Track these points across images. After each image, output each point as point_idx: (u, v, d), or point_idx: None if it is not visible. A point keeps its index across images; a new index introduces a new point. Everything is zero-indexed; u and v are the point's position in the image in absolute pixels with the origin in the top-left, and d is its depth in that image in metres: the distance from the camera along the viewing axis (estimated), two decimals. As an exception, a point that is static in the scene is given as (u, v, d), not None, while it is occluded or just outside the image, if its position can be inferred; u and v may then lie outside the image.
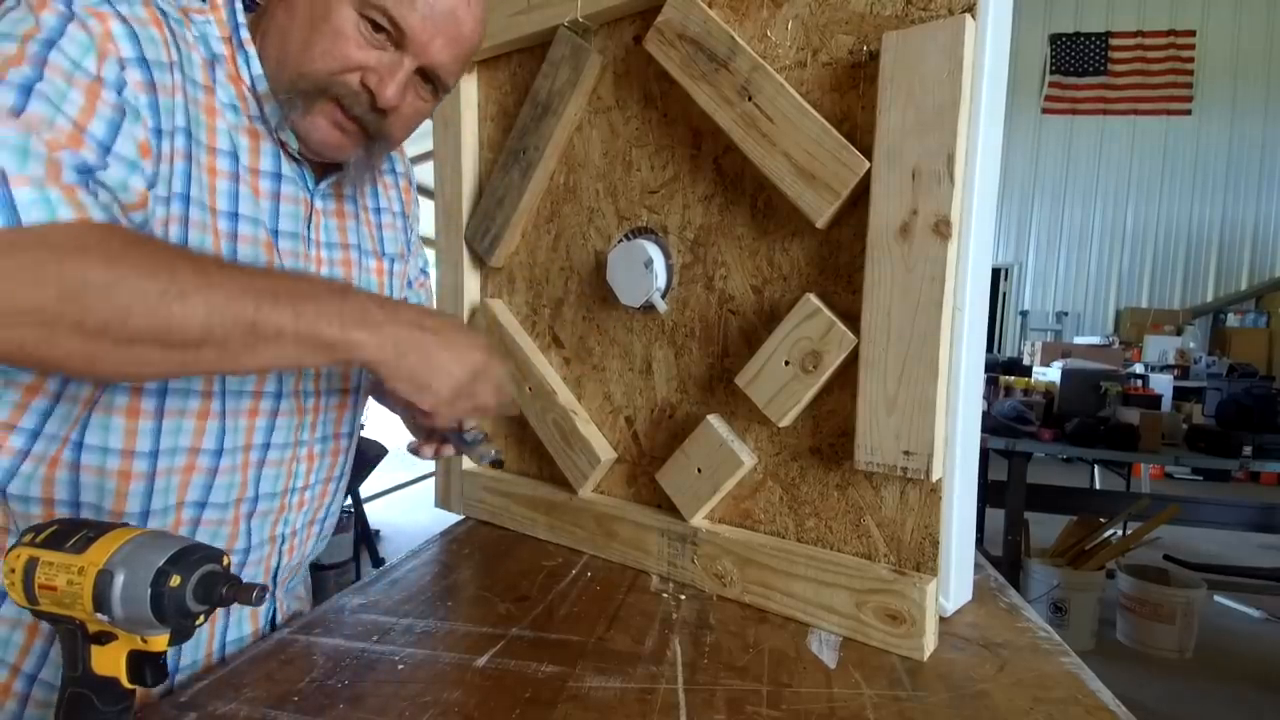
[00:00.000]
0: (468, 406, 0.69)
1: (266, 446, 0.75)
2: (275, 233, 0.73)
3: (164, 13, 0.64)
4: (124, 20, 0.59)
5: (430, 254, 1.11)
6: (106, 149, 0.57)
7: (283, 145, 0.73)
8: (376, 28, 0.67)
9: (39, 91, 0.53)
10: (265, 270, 0.66)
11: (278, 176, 0.73)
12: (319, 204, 0.79)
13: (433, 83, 0.73)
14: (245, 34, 0.70)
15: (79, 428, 0.64)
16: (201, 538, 0.69)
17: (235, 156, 0.69)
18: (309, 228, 0.78)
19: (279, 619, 0.83)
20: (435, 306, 1.14)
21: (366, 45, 0.67)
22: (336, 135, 0.71)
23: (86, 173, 0.55)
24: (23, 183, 0.50)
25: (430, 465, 1.15)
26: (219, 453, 0.71)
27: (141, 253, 0.53)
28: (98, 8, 0.58)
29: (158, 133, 0.61)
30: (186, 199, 0.64)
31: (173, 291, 0.51)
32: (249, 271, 0.58)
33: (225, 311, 0.53)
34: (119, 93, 0.58)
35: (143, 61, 0.60)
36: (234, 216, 0.68)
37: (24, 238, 0.50)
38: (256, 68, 0.70)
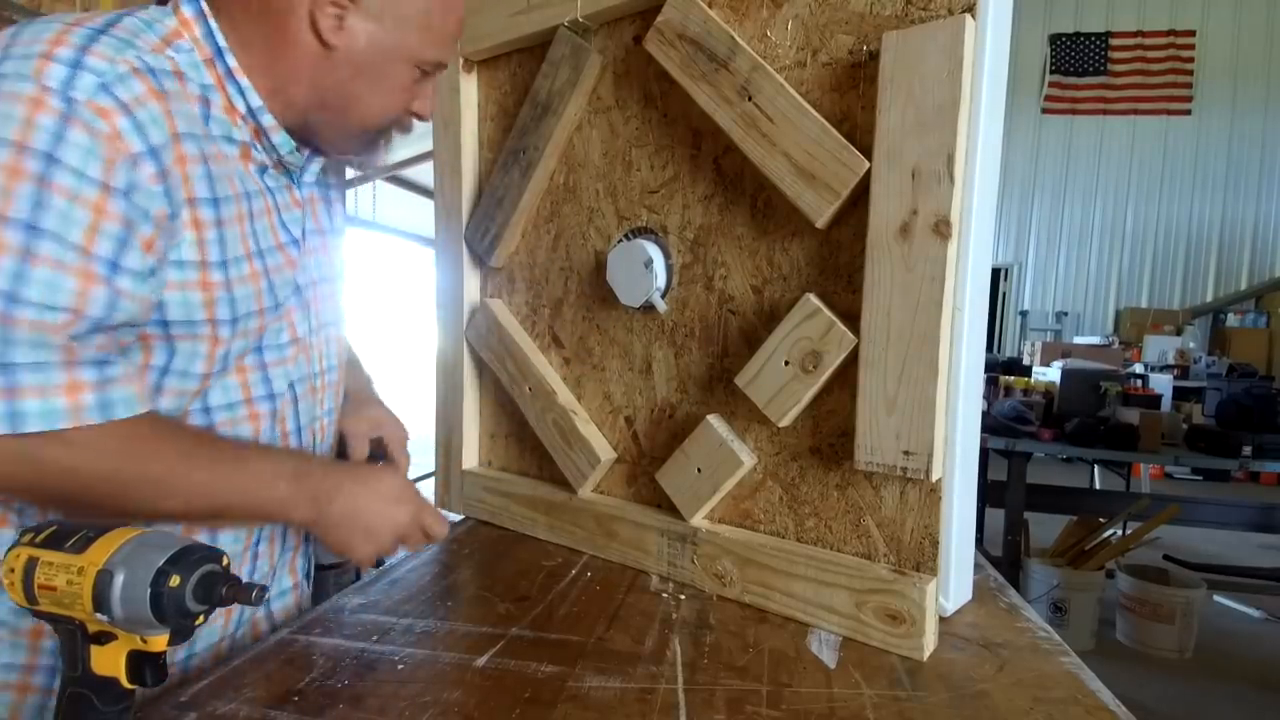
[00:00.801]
0: (388, 552, 0.79)
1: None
2: (286, 244, 0.77)
3: (152, 72, 0.61)
4: (128, 112, 0.58)
5: (430, 254, 1.11)
6: (115, 266, 0.59)
7: (277, 163, 0.75)
8: (425, 71, 0.75)
9: (45, 232, 0.55)
10: (236, 457, 0.70)
11: (271, 191, 0.75)
12: (305, 193, 0.81)
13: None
14: (232, 61, 0.68)
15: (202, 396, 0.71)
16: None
17: (247, 196, 0.72)
18: (303, 227, 0.80)
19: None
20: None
21: (415, 85, 0.75)
22: (380, 152, 0.80)
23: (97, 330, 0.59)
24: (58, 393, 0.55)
25: (430, 465, 1.15)
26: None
27: (147, 461, 0.62)
28: (99, 100, 0.57)
29: (173, 216, 0.63)
30: (225, 264, 0.68)
31: (162, 493, 0.63)
32: (225, 469, 0.67)
33: (198, 508, 0.66)
34: (128, 197, 0.59)
35: (152, 153, 0.60)
36: (261, 254, 0.72)
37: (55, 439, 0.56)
38: (255, 100, 0.70)
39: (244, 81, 0.69)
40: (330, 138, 0.76)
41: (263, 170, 0.74)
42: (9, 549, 0.49)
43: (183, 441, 0.66)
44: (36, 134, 0.54)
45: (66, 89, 0.56)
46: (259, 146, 0.73)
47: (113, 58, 0.59)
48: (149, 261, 0.61)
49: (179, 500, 0.64)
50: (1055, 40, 8.96)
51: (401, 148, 5.96)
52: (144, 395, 0.62)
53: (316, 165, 0.80)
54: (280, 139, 0.72)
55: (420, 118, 0.78)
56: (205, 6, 0.68)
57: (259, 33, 0.69)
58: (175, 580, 0.46)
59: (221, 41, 0.68)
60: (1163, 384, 4.44)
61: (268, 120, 0.71)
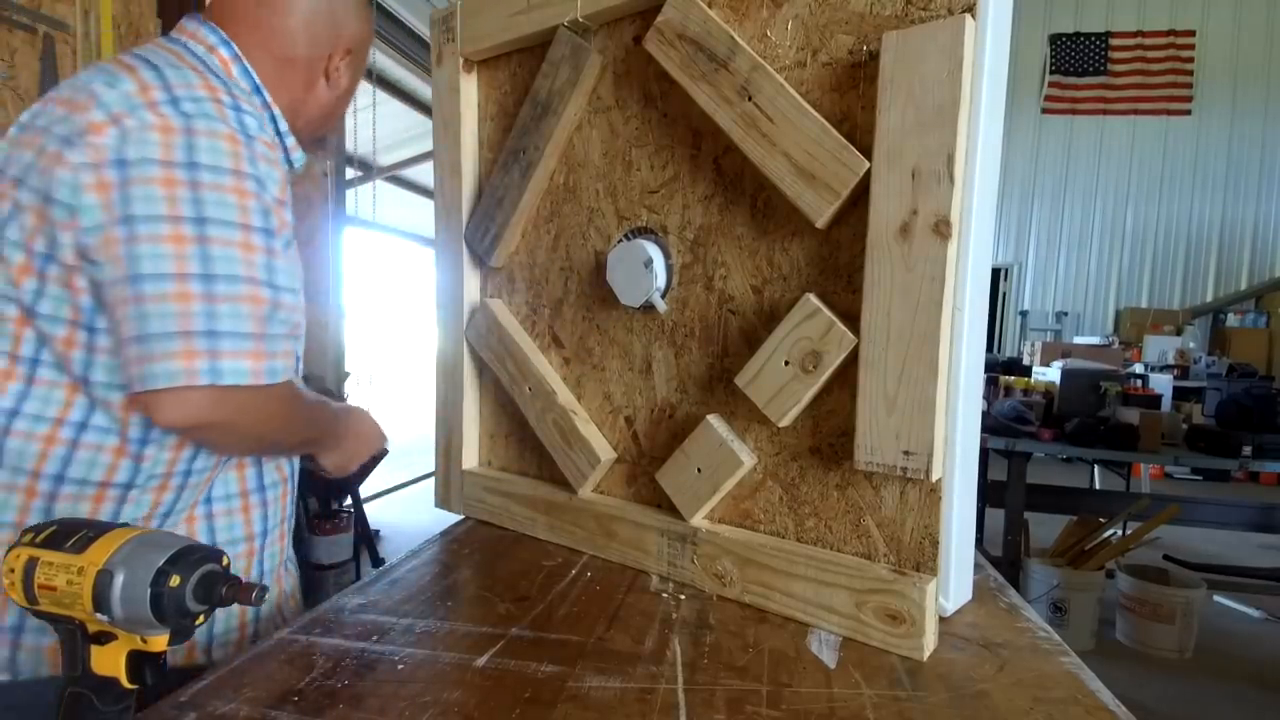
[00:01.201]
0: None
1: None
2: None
3: (239, 112, 0.76)
4: (273, 166, 0.77)
5: (430, 254, 1.11)
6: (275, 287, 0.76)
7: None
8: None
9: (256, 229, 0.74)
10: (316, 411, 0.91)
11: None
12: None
13: None
14: (268, 95, 0.86)
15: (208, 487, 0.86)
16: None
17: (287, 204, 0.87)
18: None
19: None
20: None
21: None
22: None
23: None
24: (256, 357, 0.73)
25: (430, 465, 1.15)
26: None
27: (287, 413, 0.81)
28: (269, 159, 0.77)
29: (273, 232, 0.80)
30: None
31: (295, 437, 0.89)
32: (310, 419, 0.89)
33: (299, 448, 0.94)
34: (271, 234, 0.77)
35: (276, 199, 0.78)
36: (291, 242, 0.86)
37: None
38: (284, 125, 0.88)
39: (277, 111, 0.87)
40: (307, 146, 0.95)
41: None
42: (9, 549, 0.49)
43: (304, 401, 0.85)
44: (241, 162, 0.73)
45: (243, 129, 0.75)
46: (286, 158, 0.90)
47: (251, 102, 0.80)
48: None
49: (298, 440, 0.89)
50: (1055, 40, 8.96)
51: (401, 148, 5.97)
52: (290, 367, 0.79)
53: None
54: (299, 155, 0.92)
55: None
56: (239, 50, 0.83)
57: (281, 74, 0.86)
58: (175, 580, 0.46)
59: (257, 79, 0.84)
60: (1163, 384, 4.44)
61: (291, 140, 0.90)
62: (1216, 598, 3.43)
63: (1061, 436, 3.10)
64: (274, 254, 0.74)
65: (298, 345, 0.87)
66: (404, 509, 4.64)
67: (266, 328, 0.73)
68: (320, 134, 0.96)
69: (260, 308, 0.72)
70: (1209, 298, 8.82)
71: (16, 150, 0.71)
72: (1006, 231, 9.23)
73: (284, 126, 0.87)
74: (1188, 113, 8.73)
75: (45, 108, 0.72)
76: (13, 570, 0.48)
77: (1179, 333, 8.00)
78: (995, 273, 8.73)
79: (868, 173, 0.70)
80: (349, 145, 4.25)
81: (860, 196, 0.72)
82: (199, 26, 0.82)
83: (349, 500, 3.28)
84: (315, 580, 3.09)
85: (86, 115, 0.68)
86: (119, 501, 0.76)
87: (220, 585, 0.49)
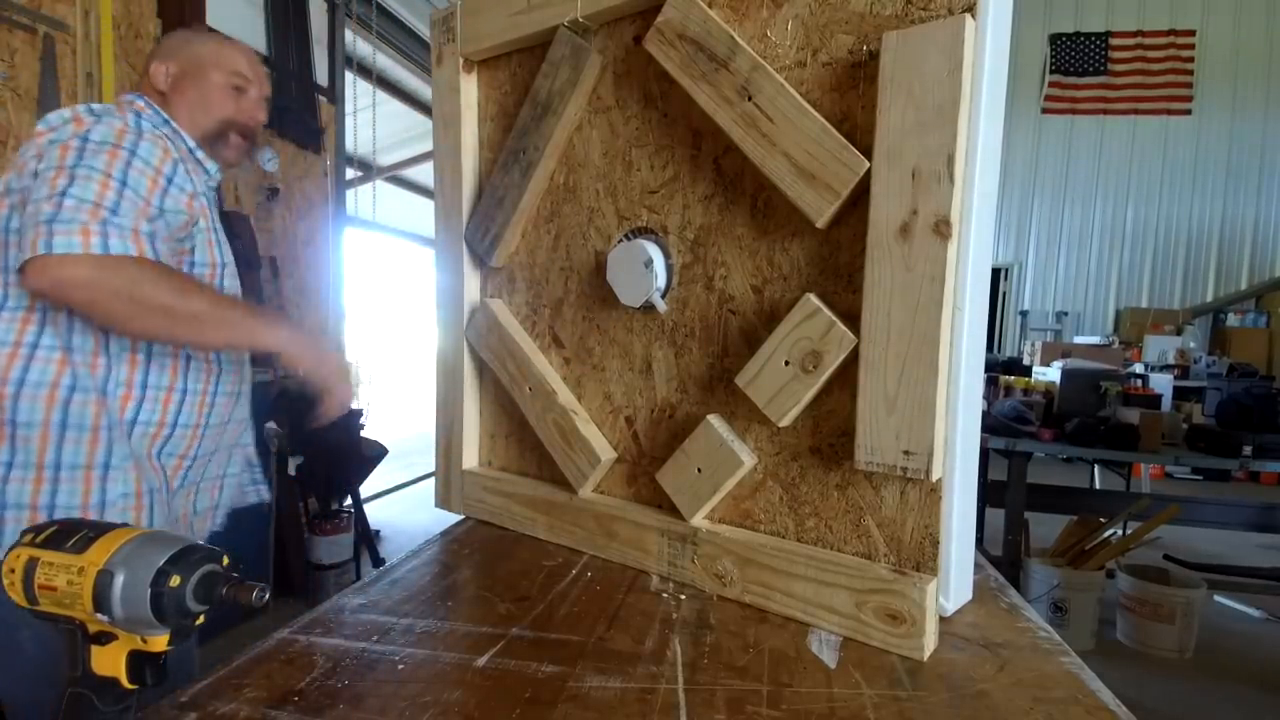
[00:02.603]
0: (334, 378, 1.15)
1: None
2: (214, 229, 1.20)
3: (138, 117, 1.13)
4: (155, 144, 1.06)
5: (430, 254, 1.12)
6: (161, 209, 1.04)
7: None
8: (236, 85, 1.20)
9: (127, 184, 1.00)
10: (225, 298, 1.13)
11: (210, 195, 1.22)
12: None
13: (265, 97, 1.28)
14: (168, 117, 1.16)
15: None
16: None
17: (203, 193, 1.17)
18: (214, 222, 1.21)
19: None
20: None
21: (236, 98, 1.21)
22: (239, 153, 1.24)
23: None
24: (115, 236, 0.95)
25: (430, 465, 1.14)
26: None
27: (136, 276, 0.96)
28: (157, 132, 1.11)
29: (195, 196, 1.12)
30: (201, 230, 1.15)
31: (184, 298, 1.00)
32: (216, 298, 1.06)
33: (192, 317, 1.00)
34: (170, 181, 1.06)
35: (176, 162, 1.08)
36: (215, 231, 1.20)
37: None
38: (191, 141, 1.18)
39: (184, 133, 1.17)
40: (203, 146, 1.19)
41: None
42: (9, 549, 0.49)
43: (172, 275, 1.00)
44: (124, 142, 1.02)
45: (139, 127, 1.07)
46: (197, 164, 1.19)
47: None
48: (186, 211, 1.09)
49: (185, 308, 0.98)
50: (1055, 40, 8.95)
51: (401, 148, 5.97)
52: (144, 251, 0.97)
53: (220, 175, 1.25)
54: (202, 155, 1.19)
55: (255, 119, 1.24)
56: (145, 100, 1.16)
57: (168, 105, 1.18)
58: (175, 580, 0.46)
59: (162, 114, 1.16)
60: (1163, 384, 4.44)
61: (201, 153, 1.19)
62: (1216, 598, 3.42)
63: (1061, 436, 3.10)
64: (123, 192, 0.97)
65: (183, 247, 1.11)
66: (404, 509, 4.64)
67: (104, 216, 0.93)
68: (211, 136, 1.19)
69: (100, 207, 0.93)
70: (1209, 297, 8.81)
71: (9, 174, 1.03)
72: (1006, 231, 9.23)
73: (192, 143, 1.17)
74: (1188, 113, 8.73)
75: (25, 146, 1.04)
76: (13, 570, 0.48)
77: (1179, 332, 7.99)
78: (995, 273, 8.71)
79: (868, 173, 0.70)
80: (349, 145, 4.25)
81: (860, 196, 0.72)
82: (125, 96, 1.17)
83: (349, 500, 3.28)
84: (315, 580, 3.09)
85: (36, 129, 1.03)
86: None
87: (221, 585, 0.49)
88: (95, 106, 1.06)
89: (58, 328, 1.02)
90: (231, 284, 1.22)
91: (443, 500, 1.21)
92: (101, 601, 0.45)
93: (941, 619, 0.77)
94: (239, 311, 1.05)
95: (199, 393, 1.14)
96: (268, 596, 0.51)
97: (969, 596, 0.84)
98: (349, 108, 4.23)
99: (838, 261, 0.77)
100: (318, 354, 1.11)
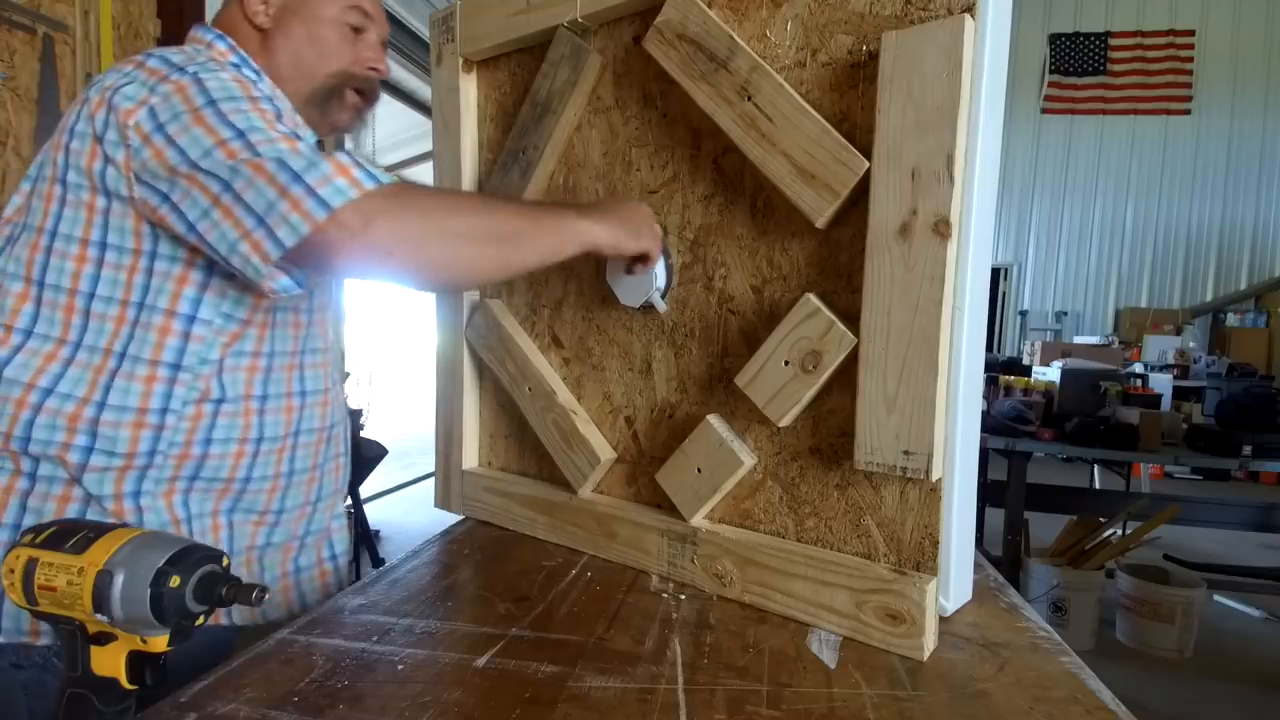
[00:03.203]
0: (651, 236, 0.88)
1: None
2: None
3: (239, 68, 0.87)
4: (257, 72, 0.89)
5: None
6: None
7: None
8: (353, 24, 0.93)
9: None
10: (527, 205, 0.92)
11: None
12: None
13: (384, 41, 1.00)
14: (258, 66, 0.89)
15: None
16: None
17: None
18: None
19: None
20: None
21: (353, 41, 0.93)
22: (355, 117, 0.98)
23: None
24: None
25: (430, 465, 1.14)
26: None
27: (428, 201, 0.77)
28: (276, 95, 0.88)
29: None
30: None
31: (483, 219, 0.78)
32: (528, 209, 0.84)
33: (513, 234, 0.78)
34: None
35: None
36: None
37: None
38: (281, 94, 0.90)
39: (268, 82, 0.89)
40: (304, 106, 0.92)
41: None
42: (9, 549, 0.49)
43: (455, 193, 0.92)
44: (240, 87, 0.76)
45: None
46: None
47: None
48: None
49: (502, 225, 0.76)
50: (1055, 40, 8.95)
51: (401, 148, 5.97)
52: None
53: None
54: (308, 134, 0.91)
55: (378, 69, 0.96)
56: (229, 40, 0.89)
57: (251, 45, 0.90)
58: (175, 580, 0.46)
59: (250, 61, 0.88)
60: (1163, 384, 4.44)
61: (288, 105, 0.89)
62: (1216, 597, 3.42)
63: (1061, 436, 3.10)
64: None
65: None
66: (404, 509, 4.64)
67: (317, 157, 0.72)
68: (320, 95, 0.92)
69: (301, 141, 0.74)
70: (1209, 297, 8.81)
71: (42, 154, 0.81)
72: (1006, 231, 9.23)
73: (288, 105, 0.88)
74: (1187, 112, 8.73)
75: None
76: (13, 571, 0.48)
77: (1179, 332, 7.99)
78: (995, 273, 8.73)
79: (867, 173, 0.70)
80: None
81: (860, 196, 0.72)
82: (197, 31, 0.90)
83: (349, 500, 3.28)
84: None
85: (101, 81, 0.76)
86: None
87: (220, 585, 0.49)
88: (171, 55, 0.78)
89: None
90: None
91: (442, 500, 1.21)
92: (101, 602, 0.45)
93: (941, 619, 0.77)
94: (546, 211, 0.82)
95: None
96: (268, 597, 0.51)
97: (969, 596, 0.84)
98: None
99: (837, 261, 0.77)
100: (634, 228, 0.84)
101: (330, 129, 0.95)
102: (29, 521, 0.76)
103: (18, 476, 0.77)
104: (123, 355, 0.78)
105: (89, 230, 0.77)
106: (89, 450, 0.77)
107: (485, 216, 0.75)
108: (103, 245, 0.77)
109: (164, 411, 0.79)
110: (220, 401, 0.83)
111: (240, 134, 0.71)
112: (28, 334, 0.77)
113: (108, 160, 0.74)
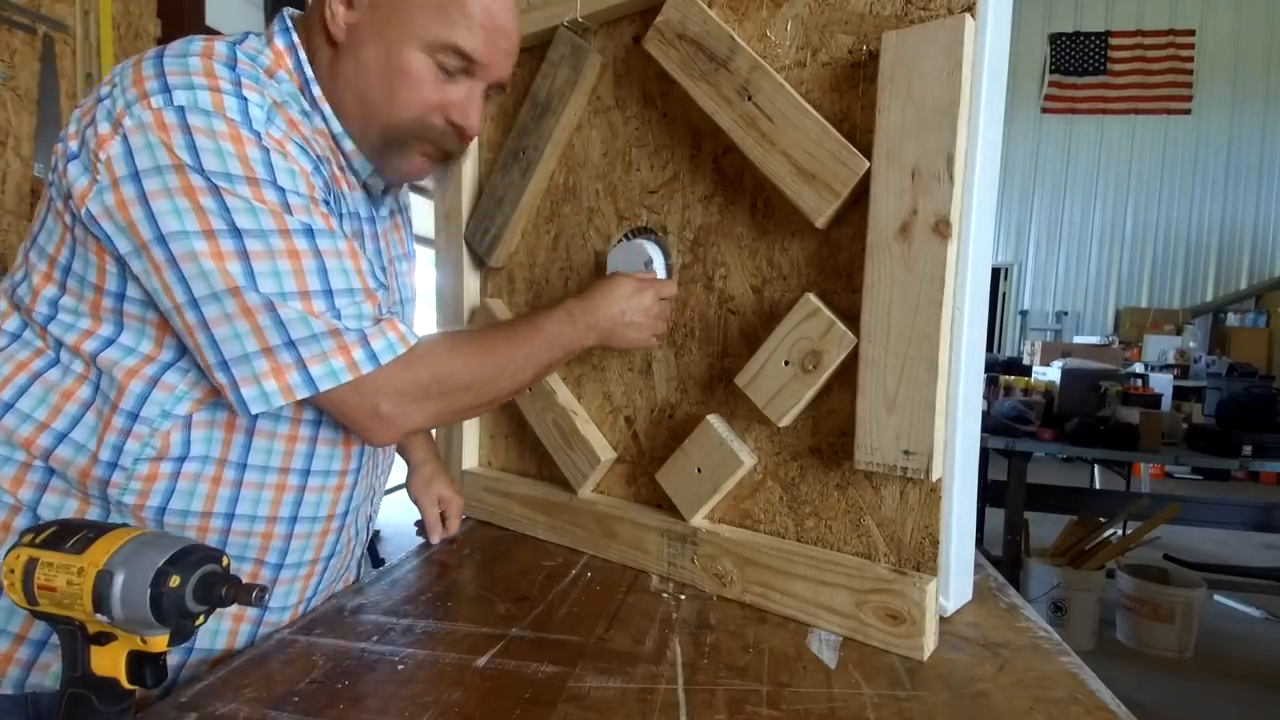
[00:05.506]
0: (660, 331, 0.90)
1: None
2: (380, 269, 0.81)
3: (284, 104, 0.67)
4: (303, 148, 0.66)
5: (429, 254, 1.11)
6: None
7: (364, 187, 0.80)
8: (447, 65, 0.71)
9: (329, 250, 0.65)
10: (530, 326, 0.82)
11: (371, 219, 0.81)
12: (379, 227, 0.83)
13: (495, 88, 0.77)
14: (317, 90, 0.72)
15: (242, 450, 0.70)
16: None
17: (357, 215, 0.78)
18: (381, 253, 0.83)
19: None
20: (433, 299, 1.21)
21: (443, 83, 0.72)
22: (427, 166, 0.77)
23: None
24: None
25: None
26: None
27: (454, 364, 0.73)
28: (281, 136, 0.64)
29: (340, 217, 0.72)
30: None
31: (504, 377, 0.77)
32: (521, 329, 0.80)
33: (534, 361, 0.79)
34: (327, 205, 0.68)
35: (315, 170, 0.67)
36: (372, 271, 0.71)
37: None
38: (336, 126, 0.73)
39: (326, 109, 0.72)
40: (366, 150, 0.75)
41: (355, 197, 0.77)
42: (9, 549, 0.49)
43: (485, 338, 0.78)
44: (255, 167, 0.61)
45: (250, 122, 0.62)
46: (350, 169, 0.76)
47: (261, 91, 0.64)
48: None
49: (514, 379, 0.77)
50: (1055, 40, 8.95)
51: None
52: (404, 333, 0.69)
53: (390, 197, 0.85)
54: (360, 163, 0.76)
55: (467, 131, 0.74)
56: (296, 39, 0.72)
57: (322, 57, 0.72)
58: (175, 580, 0.46)
59: (309, 72, 0.71)
60: (1163, 384, 4.43)
61: (349, 145, 0.74)
62: (1217, 597, 3.42)
63: (1061, 436, 3.10)
64: (318, 246, 0.64)
65: (402, 310, 0.89)
66: (404, 509, 4.62)
67: (340, 306, 0.64)
68: (366, 131, 0.73)
69: (311, 294, 0.63)
70: (1209, 297, 8.81)
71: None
72: (1006, 231, 9.23)
73: (336, 127, 0.72)
74: (1187, 112, 8.72)
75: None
76: (13, 571, 0.48)
77: (1179, 332, 7.99)
78: (995, 273, 8.71)
79: (867, 173, 0.70)
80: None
81: (860, 196, 0.72)
82: (276, 19, 0.74)
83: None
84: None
85: (102, 85, 0.64)
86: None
87: (220, 585, 0.49)
88: (171, 59, 0.62)
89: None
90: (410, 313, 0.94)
91: (443, 500, 1.21)
92: (101, 602, 0.45)
93: (941, 619, 0.77)
94: (536, 331, 0.80)
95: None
96: (268, 597, 0.51)
97: (969, 596, 0.84)
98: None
99: (837, 261, 0.77)
100: (626, 325, 0.85)
101: (394, 175, 0.77)
102: None
103: None
104: (96, 386, 0.66)
105: (60, 249, 0.65)
106: (42, 487, 0.66)
107: (479, 365, 0.74)
108: (67, 270, 0.65)
109: (113, 466, 0.65)
110: (181, 460, 0.66)
111: (235, 234, 0.60)
112: (14, 338, 0.68)
113: (73, 180, 0.61)
